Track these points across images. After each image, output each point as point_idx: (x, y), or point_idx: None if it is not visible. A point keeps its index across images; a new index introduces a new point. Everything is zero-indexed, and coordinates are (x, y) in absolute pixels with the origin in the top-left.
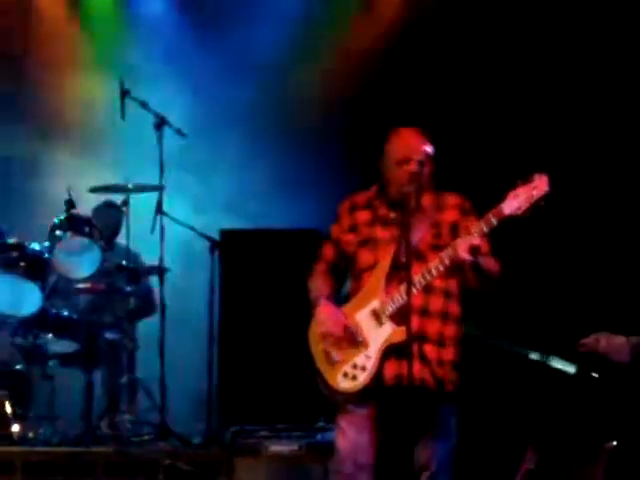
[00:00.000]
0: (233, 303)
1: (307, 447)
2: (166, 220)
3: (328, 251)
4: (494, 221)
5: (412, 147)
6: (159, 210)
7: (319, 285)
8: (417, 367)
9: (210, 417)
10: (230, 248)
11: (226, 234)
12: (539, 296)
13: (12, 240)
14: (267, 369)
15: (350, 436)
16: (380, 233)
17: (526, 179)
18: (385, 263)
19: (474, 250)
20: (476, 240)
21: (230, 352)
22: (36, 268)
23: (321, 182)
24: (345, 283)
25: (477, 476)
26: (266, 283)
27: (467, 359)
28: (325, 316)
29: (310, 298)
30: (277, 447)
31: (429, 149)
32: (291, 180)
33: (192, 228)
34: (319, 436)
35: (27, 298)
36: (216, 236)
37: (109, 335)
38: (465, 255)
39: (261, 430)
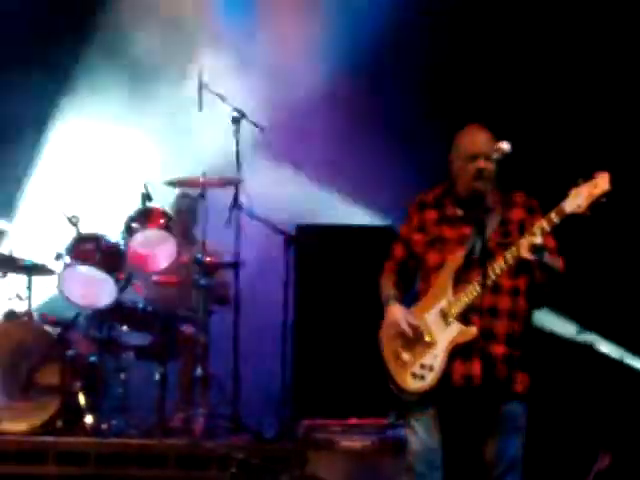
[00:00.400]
0: (307, 297)
1: (378, 442)
2: (242, 214)
3: (398, 250)
4: (556, 219)
5: (480, 144)
6: (235, 204)
7: (389, 285)
8: (485, 366)
9: (283, 411)
10: (305, 243)
11: (302, 229)
12: (613, 291)
13: (88, 232)
14: (340, 364)
15: (421, 435)
16: (447, 232)
17: (588, 177)
18: (453, 263)
19: (537, 249)
20: (538, 239)
21: (304, 346)
22: (112, 260)
23: (398, 179)
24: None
25: (547, 475)
26: (340, 278)
27: (537, 357)
28: (394, 317)
29: (381, 297)
30: (349, 442)
31: (502, 146)
32: (369, 176)
33: (268, 222)
34: (390, 432)
35: (102, 290)
36: (292, 231)
37: (184, 328)
38: (527, 255)
39: (333, 425)
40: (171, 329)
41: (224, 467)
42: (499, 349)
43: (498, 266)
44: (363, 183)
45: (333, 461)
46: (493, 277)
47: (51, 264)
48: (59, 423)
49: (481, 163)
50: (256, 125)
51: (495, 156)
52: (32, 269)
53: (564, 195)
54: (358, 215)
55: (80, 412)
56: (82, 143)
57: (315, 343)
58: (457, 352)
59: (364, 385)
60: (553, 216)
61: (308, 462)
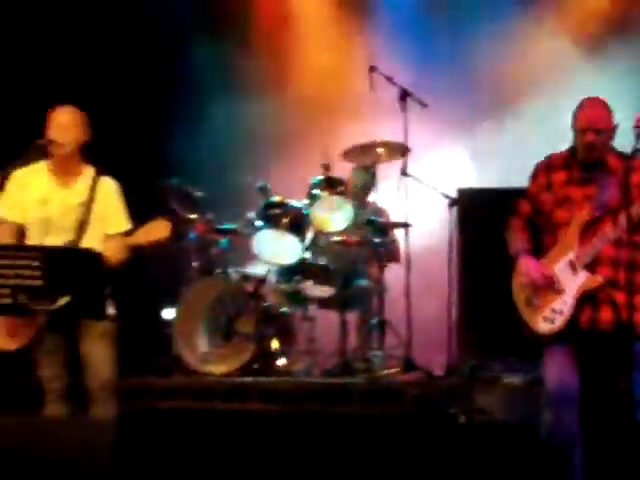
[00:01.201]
0: (470, 254)
1: (533, 379)
2: (409, 180)
3: (525, 207)
4: None
5: (589, 118)
6: (404, 172)
7: (519, 239)
8: (609, 311)
9: (450, 352)
10: (466, 205)
11: (463, 192)
12: None
13: (276, 198)
14: (499, 309)
15: (555, 372)
16: (574, 192)
17: None
18: (579, 219)
19: None
20: None
21: (467, 295)
22: (297, 223)
23: None
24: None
25: None
26: (499, 235)
27: None
28: (527, 268)
29: (510, 250)
30: (509, 378)
31: (611, 118)
32: (523, 141)
33: (432, 187)
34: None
35: (289, 249)
36: (454, 194)
37: (361, 281)
38: None
39: (495, 363)
40: (350, 283)
41: (400, 402)
42: (621, 296)
43: (621, 221)
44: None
45: (496, 395)
46: (616, 231)
47: (243, 228)
48: (255, 365)
49: (590, 136)
50: (421, 103)
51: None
52: (228, 232)
53: None
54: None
55: (273, 356)
56: (266, 116)
57: (477, 291)
58: (584, 298)
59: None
60: None
61: (474, 397)
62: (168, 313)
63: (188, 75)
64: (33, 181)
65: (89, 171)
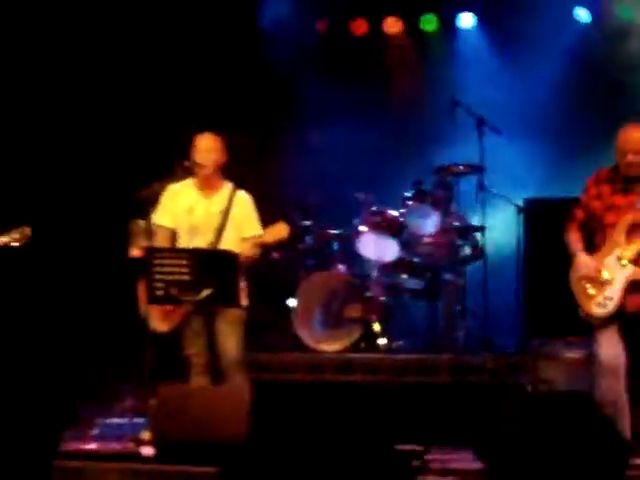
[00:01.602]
0: (535, 252)
1: (588, 354)
2: (485, 192)
3: (579, 214)
4: None
5: (628, 141)
6: (480, 186)
7: (576, 239)
8: None
9: (519, 332)
10: (532, 213)
11: (529, 201)
12: None
13: (376, 208)
14: (559, 298)
15: (607, 347)
16: (619, 201)
17: None
18: (625, 222)
19: None
20: None
21: (533, 286)
22: (394, 227)
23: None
24: None
25: None
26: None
27: None
28: (582, 263)
29: (568, 249)
30: (570, 354)
31: None
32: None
33: (503, 197)
34: None
35: (389, 249)
36: (522, 203)
37: (446, 276)
38: None
39: (557, 341)
40: (437, 277)
41: (480, 374)
42: None
43: None
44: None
45: (557, 369)
46: None
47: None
48: (361, 344)
49: (629, 157)
50: (495, 130)
51: None
52: (338, 236)
53: None
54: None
55: (376, 336)
56: (369, 139)
57: (541, 283)
58: (631, 287)
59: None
60: None
61: (539, 370)
62: (291, 302)
63: (304, 104)
64: (182, 194)
65: (228, 185)
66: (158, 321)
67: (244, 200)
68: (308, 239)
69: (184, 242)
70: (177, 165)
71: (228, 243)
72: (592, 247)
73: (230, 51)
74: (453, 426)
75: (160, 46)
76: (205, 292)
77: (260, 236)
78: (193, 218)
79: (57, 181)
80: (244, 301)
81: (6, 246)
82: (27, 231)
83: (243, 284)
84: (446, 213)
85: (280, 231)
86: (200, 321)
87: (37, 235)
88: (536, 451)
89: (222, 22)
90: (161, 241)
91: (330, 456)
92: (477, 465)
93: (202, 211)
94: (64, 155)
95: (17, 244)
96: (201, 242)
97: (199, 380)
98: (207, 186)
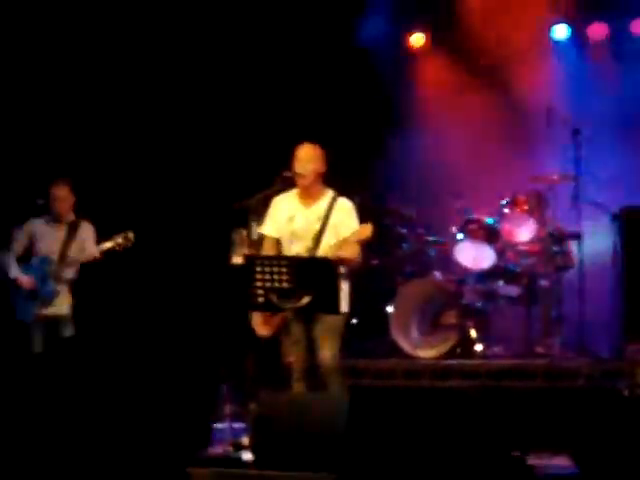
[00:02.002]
0: (630, 258)
1: None
2: (580, 200)
3: None
4: None
5: None
6: (575, 194)
7: None
8: None
9: (615, 338)
10: (628, 220)
11: (624, 209)
12: None
13: (473, 216)
14: None
15: None
16: None
17: None
18: None
19: None
20: None
21: (628, 293)
22: (491, 235)
23: None
24: None
25: None
26: None
27: None
28: None
29: None
30: None
31: None
32: None
33: (599, 205)
34: None
35: (485, 256)
36: (617, 210)
37: (542, 282)
38: None
39: None
40: (533, 283)
41: (575, 379)
42: None
43: None
44: None
45: None
46: None
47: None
48: (458, 350)
49: None
50: (589, 139)
51: None
52: (435, 243)
53: None
54: None
55: (472, 342)
56: (467, 150)
57: (636, 289)
58: None
59: None
60: None
61: (636, 375)
62: (388, 308)
63: (403, 113)
64: (285, 204)
65: (329, 193)
66: (260, 325)
67: (344, 207)
68: (405, 246)
69: (285, 250)
70: (277, 176)
71: (327, 249)
72: None
73: (332, 65)
74: (549, 431)
75: (268, 63)
76: (304, 299)
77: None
78: (293, 226)
79: (164, 191)
80: (345, 307)
81: (111, 251)
82: (130, 236)
83: (348, 288)
84: (541, 221)
85: (365, 231)
86: (299, 328)
87: (143, 240)
88: (632, 456)
89: (322, 38)
90: (267, 250)
91: (429, 461)
92: (573, 470)
93: (301, 219)
94: (173, 166)
95: (120, 249)
96: (300, 249)
97: (298, 386)
98: (307, 195)
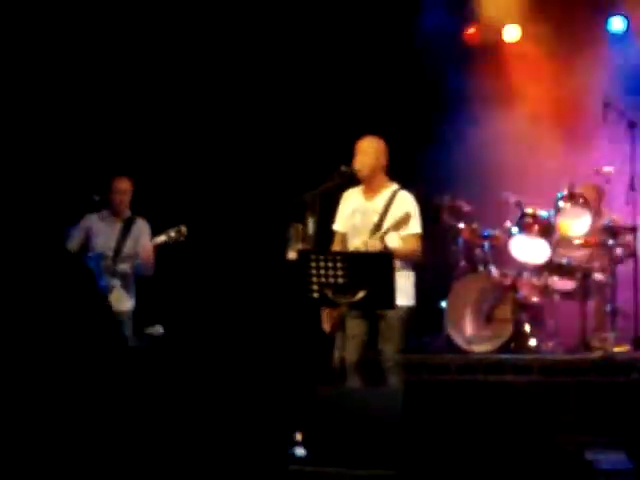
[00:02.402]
0: None
1: None
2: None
3: None
4: None
5: None
6: (631, 187)
7: None
8: None
9: None
10: None
11: None
12: None
13: (528, 210)
14: None
15: None
16: None
17: None
18: None
19: None
20: None
21: None
22: (546, 229)
23: None
24: None
25: None
26: None
27: None
28: None
29: None
30: None
31: None
32: None
33: None
34: None
35: (539, 251)
36: None
37: (597, 276)
38: None
39: None
40: (588, 277)
41: (629, 372)
42: None
43: None
44: None
45: None
46: None
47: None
48: (512, 345)
49: None
50: None
51: None
52: (490, 237)
53: None
54: None
55: (526, 337)
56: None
57: None
58: None
59: None
60: None
61: None
62: (443, 303)
63: (455, 105)
64: (350, 199)
65: (392, 187)
66: (325, 323)
67: (405, 200)
68: (460, 241)
69: (349, 244)
70: (336, 170)
71: (382, 241)
72: None
73: (388, 60)
74: (604, 426)
75: (329, 56)
76: (359, 294)
77: (415, 235)
78: (354, 219)
79: (222, 186)
80: (411, 301)
81: (165, 244)
82: (183, 230)
83: (412, 282)
84: (597, 214)
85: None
86: (355, 323)
87: (199, 236)
88: None
89: (381, 33)
90: (335, 245)
91: (483, 457)
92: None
93: (362, 212)
94: (230, 161)
95: (174, 242)
96: (359, 242)
97: (354, 381)
98: (369, 189)
